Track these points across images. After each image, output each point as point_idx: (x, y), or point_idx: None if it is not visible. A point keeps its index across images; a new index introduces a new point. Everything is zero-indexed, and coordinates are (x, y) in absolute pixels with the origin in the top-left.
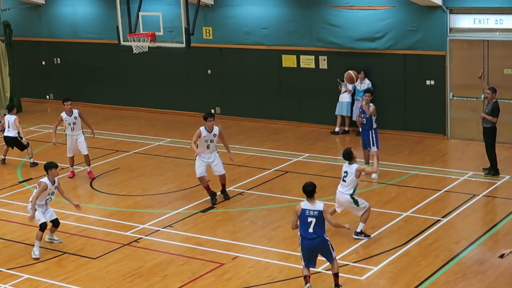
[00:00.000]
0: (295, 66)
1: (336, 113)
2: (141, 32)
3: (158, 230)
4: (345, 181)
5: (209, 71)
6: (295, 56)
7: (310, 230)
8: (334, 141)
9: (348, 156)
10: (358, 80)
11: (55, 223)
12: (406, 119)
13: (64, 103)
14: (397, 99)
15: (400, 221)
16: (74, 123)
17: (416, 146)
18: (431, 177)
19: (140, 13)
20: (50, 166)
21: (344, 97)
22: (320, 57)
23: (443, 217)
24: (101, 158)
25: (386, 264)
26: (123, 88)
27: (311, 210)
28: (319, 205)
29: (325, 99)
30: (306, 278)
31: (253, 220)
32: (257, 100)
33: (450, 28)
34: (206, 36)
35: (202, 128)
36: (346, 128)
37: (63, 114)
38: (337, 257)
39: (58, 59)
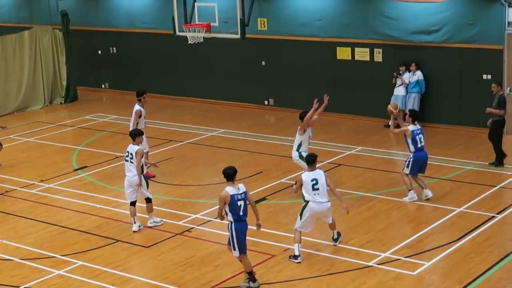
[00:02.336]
0: (350, 58)
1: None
2: (197, 22)
3: (210, 220)
4: (318, 189)
5: (263, 63)
6: (349, 48)
7: (241, 212)
8: (388, 134)
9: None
10: (411, 72)
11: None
12: (461, 114)
13: (144, 96)
14: (453, 93)
15: (453, 216)
16: (145, 117)
17: (471, 141)
18: (486, 173)
19: (196, 4)
20: (137, 134)
21: (399, 91)
22: (375, 49)
23: (497, 214)
24: (155, 148)
25: (438, 259)
26: (178, 78)
27: (238, 194)
28: (242, 186)
29: (380, 92)
30: (252, 274)
31: None
32: (310, 92)
33: (508, 22)
34: (261, 27)
35: None
36: None
37: (142, 108)
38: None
39: (114, 48)
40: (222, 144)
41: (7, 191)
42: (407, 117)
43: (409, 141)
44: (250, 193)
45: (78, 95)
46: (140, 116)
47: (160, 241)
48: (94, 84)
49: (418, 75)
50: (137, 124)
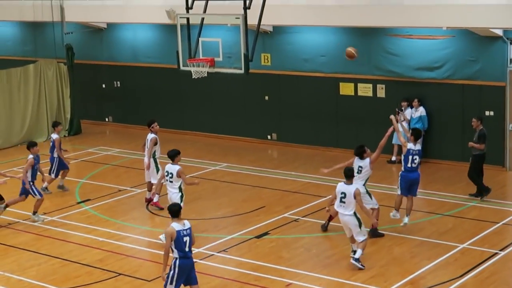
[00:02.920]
0: (353, 94)
1: (393, 142)
2: (201, 57)
3: (213, 254)
4: (344, 202)
5: (266, 97)
6: (353, 84)
7: (187, 249)
8: (391, 170)
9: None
10: (413, 108)
11: None
12: (463, 150)
13: (154, 125)
14: (455, 129)
15: (456, 252)
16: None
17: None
18: (489, 209)
19: (200, 39)
20: (175, 154)
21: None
22: (378, 85)
23: (500, 250)
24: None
25: None
26: (181, 112)
27: (184, 229)
28: (187, 223)
29: (382, 127)
30: None
31: (308, 247)
32: (313, 127)
33: (510, 59)
34: (264, 62)
35: None
36: None
37: (156, 135)
38: None
39: (118, 82)
40: (224, 178)
41: (9, 224)
42: (410, 135)
43: (403, 157)
44: (253, 227)
45: (82, 128)
46: (155, 144)
47: None
48: (97, 117)
49: (421, 111)
50: (154, 152)
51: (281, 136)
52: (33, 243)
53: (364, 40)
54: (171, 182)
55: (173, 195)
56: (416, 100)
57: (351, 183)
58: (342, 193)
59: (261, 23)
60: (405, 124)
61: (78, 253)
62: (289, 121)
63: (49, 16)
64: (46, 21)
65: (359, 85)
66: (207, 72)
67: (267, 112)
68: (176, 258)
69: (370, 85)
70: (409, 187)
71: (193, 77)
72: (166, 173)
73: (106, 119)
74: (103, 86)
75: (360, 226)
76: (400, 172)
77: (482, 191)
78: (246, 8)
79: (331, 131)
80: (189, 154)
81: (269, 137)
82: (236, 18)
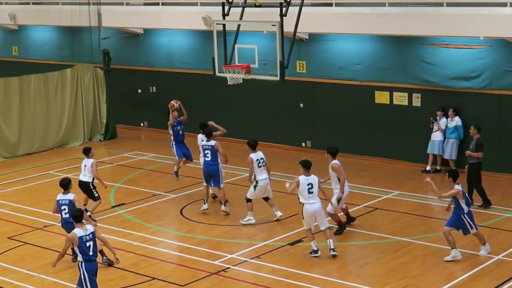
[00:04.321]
0: (388, 102)
1: (428, 151)
2: (236, 64)
3: (246, 260)
4: (312, 192)
5: (301, 105)
6: (388, 92)
7: (91, 252)
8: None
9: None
10: (449, 118)
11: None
12: (500, 161)
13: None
14: (491, 140)
15: (491, 264)
16: None
17: (510, 188)
18: None
19: (236, 45)
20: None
21: (436, 136)
22: (413, 94)
23: None
24: (192, 187)
25: None
26: (216, 118)
27: (86, 235)
28: (90, 227)
29: (417, 137)
30: None
31: (341, 256)
32: (348, 135)
33: None
34: (299, 70)
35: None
36: (438, 167)
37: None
38: None
39: (154, 87)
40: (272, 187)
41: (45, 226)
42: (447, 178)
43: (462, 201)
44: (286, 234)
45: (117, 133)
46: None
47: (196, 280)
48: (133, 122)
49: (457, 121)
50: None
51: (315, 144)
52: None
53: (400, 49)
54: (264, 166)
55: (265, 180)
56: (451, 109)
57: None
58: (309, 184)
59: (297, 31)
60: (439, 134)
61: (112, 257)
62: (323, 129)
63: (87, 21)
64: (84, 26)
65: (395, 93)
66: (243, 79)
67: (302, 120)
68: (82, 262)
69: (406, 94)
70: None
71: (228, 83)
72: (258, 161)
73: (141, 124)
74: (139, 91)
75: None
76: (464, 213)
77: (487, 199)
78: (282, 15)
79: (365, 139)
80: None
81: (303, 144)
82: (272, 25)
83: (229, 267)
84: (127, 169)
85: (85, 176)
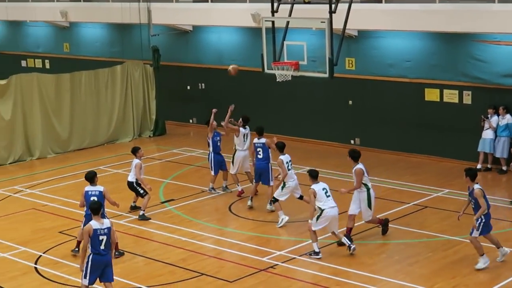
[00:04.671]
0: (438, 100)
1: (479, 149)
2: (285, 60)
3: (294, 257)
4: (329, 196)
5: (350, 102)
6: (438, 90)
7: (102, 247)
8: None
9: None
10: (500, 116)
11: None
12: None
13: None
14: None
15: None
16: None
17: None
18: None
19: (285, 42)
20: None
21: (487, 134)
22: (464, 92)
23: None
24: (240, 183)
25: None
26: (264, 115)
27: (102, 228)
28: (107, 222)
29: (468, 134)
30: None
31: (390, 254)
32: (397, 133)
33: None
34: (348, 67)
35: None
36: (489, 166)
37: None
38: None
39: (203, 84)
40: (307, 182)
41: None
42: (467, 179)
43: (483, 201)
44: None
45: (167, 129)
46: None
47: (244, 277)
48: (182, 118)
49: (508, 118)
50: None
51: (364, 141)
52: (118, 241)
53: (450, 46)
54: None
55: (293, 182)
56: (502, 107)
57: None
58: (323, 189)
59: (346, 27)
60: (491, 132)
61: (161, 252)
62: (372, 126)
63: (137, 18)
64: (134, 23)
65: (445, 91)
66: (291, 76)
67: (351, 117)
68: (91, 254)
69: (456, 92)
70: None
71: (277, 80)
72: (287, 164)
73: (190, 121)
74: (188, 87)
75: None
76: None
77: None
78: (331, 12)
79: (415, 137)
80: (272, 157)
81: (352, 141)
82: (322, 22)
83: (277, 264)
84: (176, 165)
85: (130, 175)
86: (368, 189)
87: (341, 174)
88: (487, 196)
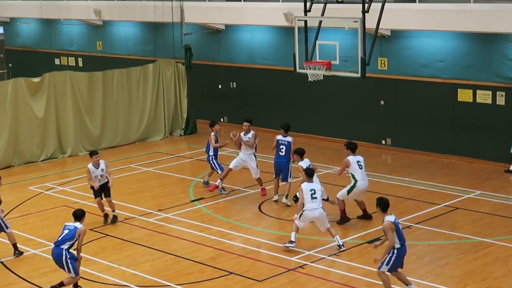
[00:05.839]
0: (471, 101)
1: (511, 151)
2: (317, 60)
3: (323, 257)
4: (315, 198)
5: (382, 102)
6: (471, 90)
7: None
8: (508, 179)
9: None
10: None
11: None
12: None
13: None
14: None
15: None
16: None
17: None
18: None
19: (317, 42)
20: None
21: None
22: (497, 92)
23: None
24: (270, 183)
25: None
26: (295, 114)
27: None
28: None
29: (501, 136)
30: None
31: (420, 255)
32: (429, 133)
33: None
34: (381, 67)
35: None
36: None
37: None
38: None
39: (234, 83)
40: (338, 182)
41: (126, 219)
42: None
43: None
44: (364, 232)
45: (198, 127)
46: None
47: (273, 276)
48: (213, 117)
49: None
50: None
51: (395, 142)
52: (147, 239)
53: (484, 46)
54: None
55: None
56: None
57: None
58: (311, 189)
59: (379, 27)
60: None
61: (191, 251)
62: (404, 127)
63: (169, 17)
64: (166, 21)
65: (478, 92)
66: (323, 75)
67: (382, 117)
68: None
69: (490, 92)
70: None
71: (309, 79)
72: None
73: (221, 119)
74: (219, 86)
75: None
76: None
77: None
78: (364, 11)
79: (447, 138)
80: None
81: (383, 142)
82: (354, 21)
83: (306, 264)
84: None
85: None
86: (355, 181)
87: (371, 174)
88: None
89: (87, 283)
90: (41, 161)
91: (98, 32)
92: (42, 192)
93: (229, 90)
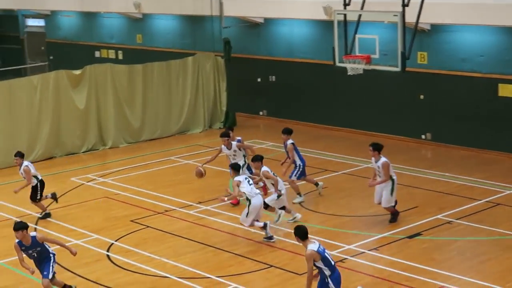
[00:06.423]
0: None
1: None
2: (357, 54)
3: (364, 252)
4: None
5: (421, 96)
6: None
7: None
8: None
9: None
10: None
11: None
12: None
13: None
14: None
15: None
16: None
17: None
18: None
19: (356, 35)
20: None
21: None
22: None
23: None
24: (310, 176)
25: None
26: (334, 108)
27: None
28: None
29: None
30: None
31: (461, 251)
32: (469, 128)
33: None
34: (420, 61)
35: None
36: None
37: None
38: None
39: (273, 77)
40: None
41: (166, 211)
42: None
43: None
44: (405, 227)
45: (237, 121)
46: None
47: None
48: (252, 111)
49: None
50: None
51: (435, 136)
52: (188, 231)
53: None
54: None
55: None
56: None
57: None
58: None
59: (419, 21)
60: None
61: (230, 243)
62: (444, 121)
63: (208, 10)
64: (205, 15)
65: None
66: (363, 69)
67: (422, 111)
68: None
69: None
70: None
71: (348, 73)
72: None
73: (260, 113)
74: (258, 80)
75: None
76: None
77: None
78: (404, 5)
79: (488, 133)
80: (340, 150)
81: (423, 136)
82: (394, 15)
83: (346, 258)
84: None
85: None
86: (393, 180)
87: (411, 169)
88: None
89: (128, 274)
90: (82, 152)
91: (138, 25)
92: (84, 184)
93: (268, 84)
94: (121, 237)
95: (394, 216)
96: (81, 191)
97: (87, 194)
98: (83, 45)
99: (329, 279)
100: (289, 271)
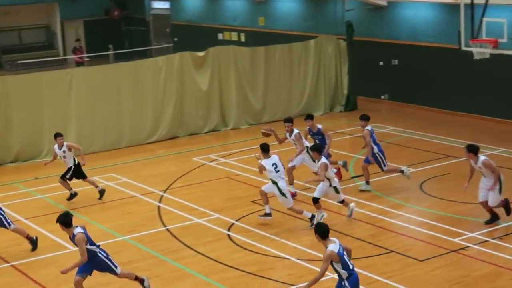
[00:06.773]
0: None
1: None
2: (484, 38)
3: (487, 240)
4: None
5: None
6: None
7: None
8: None
9: None
10: None
11: None
12: None
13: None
14: None
15: None
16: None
17: None
18: None
19: (483, 19)
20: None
21: None
22: None
23: None
24: (431, 162)
25: None
26: (457, 93)
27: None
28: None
29: None
30: None
31: None
32: None
33: None
34: None
35: None
36: None
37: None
38: None
39: (396, 60)
40: (502, 164)
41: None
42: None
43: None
44: None
45: (358, 104)
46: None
47: (434, 256)
48: (373, 94)
49: None
50: None
51: None
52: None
53: None
54: None
55: None
56: None
57: None
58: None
59: None
60: None
61: (350, 228)
62: None
63: None
64: None
65: None
66: (490, 54)
67: None
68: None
69: None
70: None
71: (474, 58)
72: None
73: (382, 97)
74: (381, 63)
75: None
76: None
77: None
78: None
79: None
80: (464, 136)
81: None
82: None
83: (469, 246)
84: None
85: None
86: (500, 180)
87: None
88: None
89: (248, 253)
90: (204, 133)
91: (261, 7)
92: (205, 164)
93: (390, 67)
94: (241, 217)
95: (493, 218)
96: (203, 171)
97: (208, 174)
98: (206, 28)
99: (346, 282)
100: (410, 257)
